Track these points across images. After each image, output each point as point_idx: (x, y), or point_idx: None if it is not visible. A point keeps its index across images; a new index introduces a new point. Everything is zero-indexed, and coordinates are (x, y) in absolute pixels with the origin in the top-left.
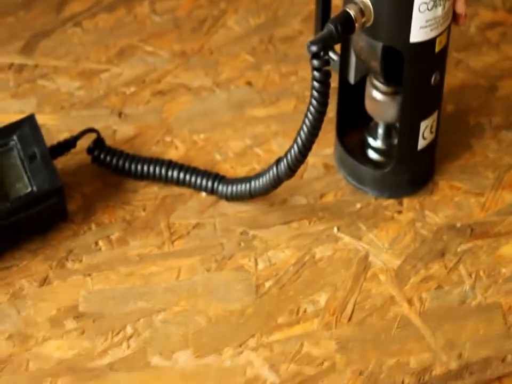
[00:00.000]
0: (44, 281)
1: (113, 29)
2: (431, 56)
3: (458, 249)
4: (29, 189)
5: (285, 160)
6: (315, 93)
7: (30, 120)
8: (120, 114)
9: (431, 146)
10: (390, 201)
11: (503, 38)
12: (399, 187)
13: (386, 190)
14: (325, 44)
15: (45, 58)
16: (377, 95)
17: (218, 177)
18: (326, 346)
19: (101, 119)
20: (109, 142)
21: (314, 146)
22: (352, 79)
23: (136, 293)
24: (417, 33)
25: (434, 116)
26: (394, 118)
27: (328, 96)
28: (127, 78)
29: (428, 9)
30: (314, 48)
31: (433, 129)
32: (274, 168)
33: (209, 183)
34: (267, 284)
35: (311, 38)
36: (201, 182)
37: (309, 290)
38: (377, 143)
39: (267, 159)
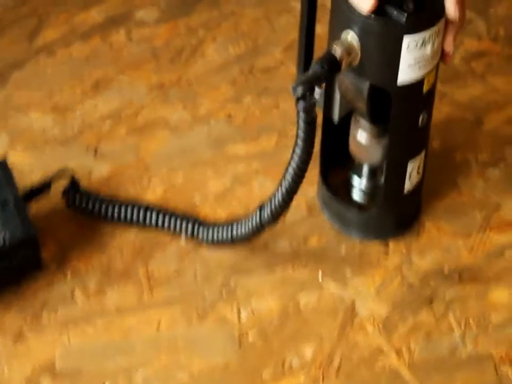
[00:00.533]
0: (18, 337)
1: (89, 59)
2: (419, 96)
3: (447, 296)
4: (0, 240)
5: (267, 207)
6: (302, 134)
7: (1, 165)
8: (95, 152)
9: (417, 187)
10: (376, 245)
11: (489, 69)
12: (385, 229)
13: (371, 232)
14: (310, 86)
15: (17, 92)
16: (362, 137)
17: (198, 222)
18: None
19: (75, 157)
20: (84, 182)
21: None
22: (336, 117)
23: (115, 347)
24: (406, 73)
25: (422, 156)
26: (379, 161)
27: (314, 139)
28: (103, 113)
29: (416, 47)
30: (300, 90)
31: (420, 170)
32: (257, 215)
33: (189, 228)
34: (250, 336)
35: (292, 67)
36: (180, 227)
37: (294, 341)
38: (362, 183)
39: (248, 200)
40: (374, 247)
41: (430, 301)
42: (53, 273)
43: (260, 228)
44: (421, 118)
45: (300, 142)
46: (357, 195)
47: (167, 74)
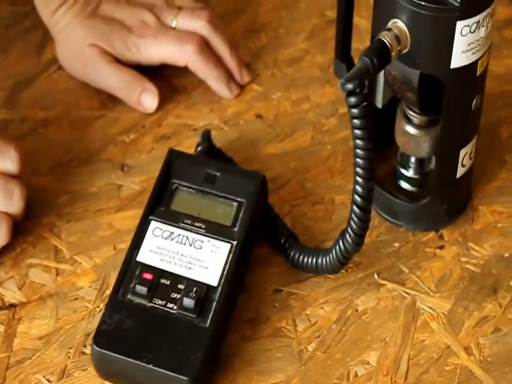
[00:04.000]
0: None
1: None
2: (472, 80)
3: (511, 283)
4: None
5: (349, 229)
6: (358, 132)
7: (171, 155)
8: (122, 167)
9: (469, 172)
10: (430, 236)
11: None
12: (437, 218)
13: (423, 222)
14: (361, 80)
15: (31, 110)
16: (410, 129)
17: (292, 237)
18: None
19: (102, 174)
20: (114, 200)
21: (340, 182)
22: (380, 103)
23: None
24: (459, 58)
25: (474, 140)
26: (429, 153)
27: (372, 130)
28: (125, 124)
29: (470, 32)
30: (350, 86)
31: (472, 155)
32: (340, 244)
33: (282, 240)
34: (310, 348)
35: (318, 56)
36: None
37: (356, 350)
38: (409, 173)
39: (290, 200)
40: (428, 239)
41: (494, 290)
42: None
43: (346, 257)
44: (474, 102)
45: (358, 137)
46: (405, 185)
47: (187, 77)
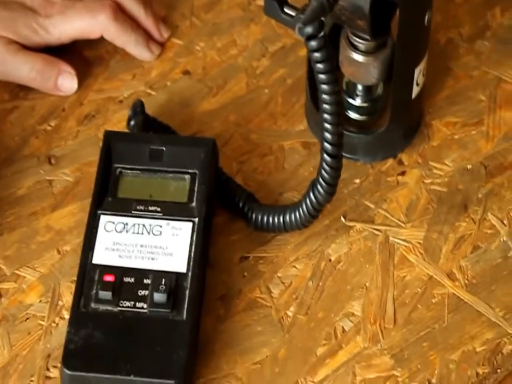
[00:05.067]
0: None
1: None
2: None
3: (480, 195)
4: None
5: (320, 179)
6: (323, 76)
7: (108, 138)
8: (49, 160)
9: (422, 89)
10: (389, 164)
11: None
12: (394, 144)
13: (380, 151)
14: (319, 21)
15: None
16: (358, 57)
17: (250, 198)
18: (381, 364)
19: (28, 172)
20: (47, 198)
21: (285, 126)
22: None
23: None
24: None
25: (426, 57)
26: (379, 79)
27: (336, 72)
28: (43, 111)
29: None
30: (309, 30)
31: (424, 71)
32: (311, 193)
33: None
34: (290, 313)
35: None
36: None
37: (338, 303)
38: (357, 101)
39: (237, 157)
40: (388, 167)
41: (464, 207)
42: None
43: (318, 209)
44: (426, 17)
45: (323, 81)
46: (354, 115)
47: (101, 45)
